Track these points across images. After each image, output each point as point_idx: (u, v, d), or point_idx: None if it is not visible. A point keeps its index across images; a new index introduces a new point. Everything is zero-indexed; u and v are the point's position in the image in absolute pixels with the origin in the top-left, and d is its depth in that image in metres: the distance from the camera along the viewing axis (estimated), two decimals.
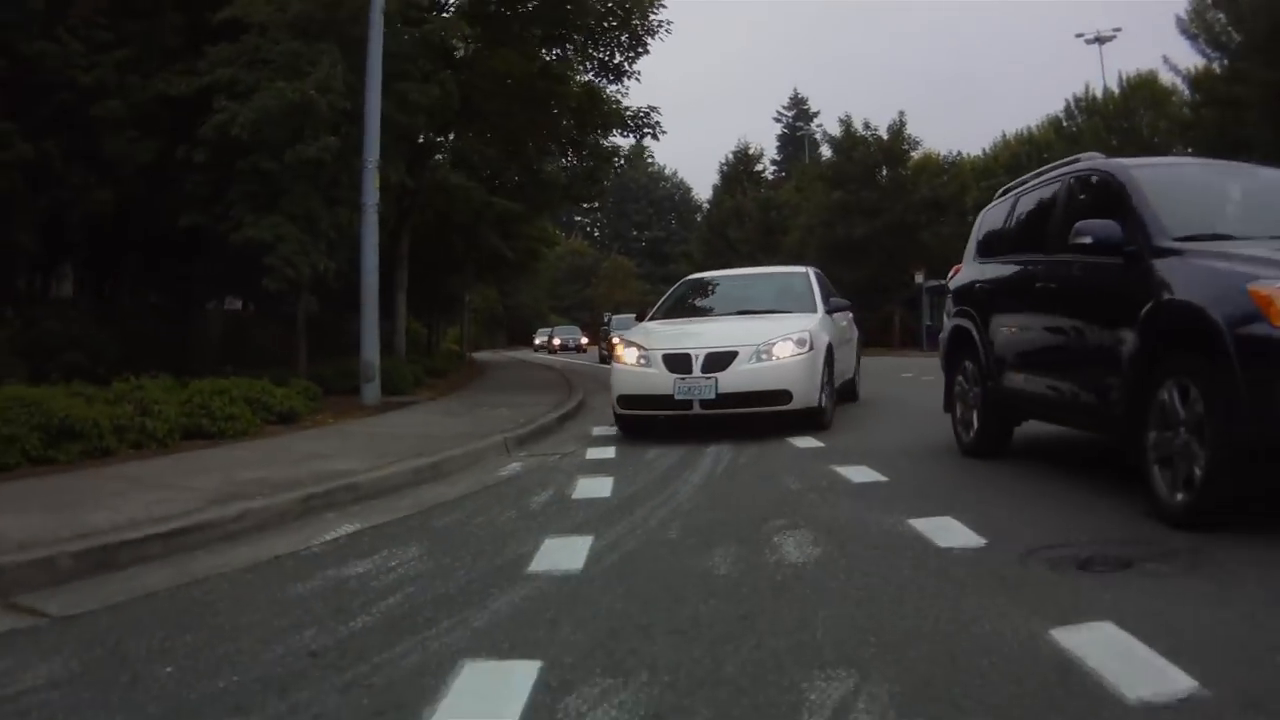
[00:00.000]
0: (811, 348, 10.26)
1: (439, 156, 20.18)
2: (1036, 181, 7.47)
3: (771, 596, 4.06)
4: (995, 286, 7.54)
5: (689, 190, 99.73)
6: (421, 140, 17.90)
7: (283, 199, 12.76)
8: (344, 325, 19.32)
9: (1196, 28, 38.62)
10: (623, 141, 23.83)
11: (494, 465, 8.74)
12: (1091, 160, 6.75)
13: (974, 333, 7.74)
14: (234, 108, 12.73)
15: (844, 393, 12.76)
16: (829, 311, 11.70)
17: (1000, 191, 8.29)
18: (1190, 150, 34.80)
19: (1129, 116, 44.62)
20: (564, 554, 4.96)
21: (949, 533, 4.98)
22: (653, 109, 21.68)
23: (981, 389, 7.57)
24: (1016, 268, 7.15)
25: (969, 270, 8.19)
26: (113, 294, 18.29)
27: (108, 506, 6.14)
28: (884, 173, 48.37)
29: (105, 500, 6.35)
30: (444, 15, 13.83)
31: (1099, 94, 48.61)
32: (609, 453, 9.30)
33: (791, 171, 72.32)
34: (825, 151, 57.27)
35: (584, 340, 58.41)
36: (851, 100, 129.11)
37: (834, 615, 3.71)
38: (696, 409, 9.97)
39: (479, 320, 72.00)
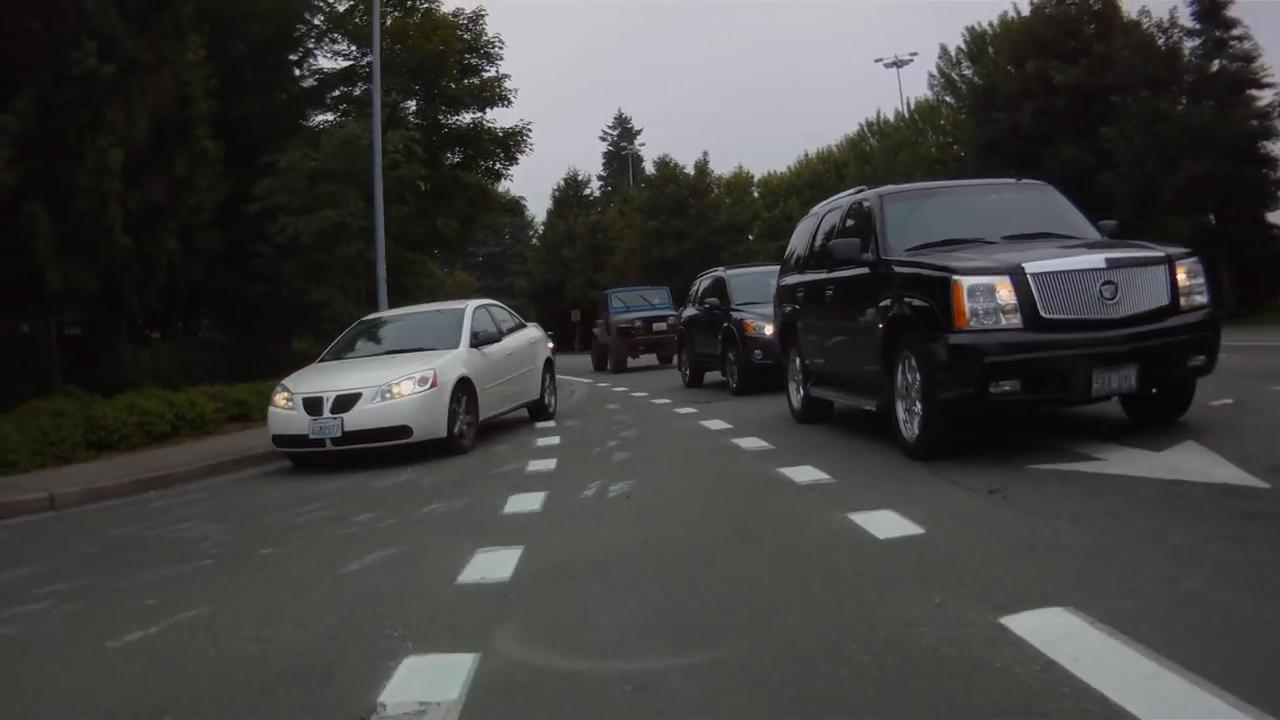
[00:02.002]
0: (434, 385, 11.26)
1: None
2: (704, 275, 18.44)
3: (606, 413, 14.70)
4: (692, 318, 18.37)
5: (514, 198, 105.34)
6: None
7: (329, 276, 22.63)
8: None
9: (943, 86, 48.98)
10: (504, 219, 35.36)
11: None
12: (715, 271, 17.70)
13: (689, 333, 18.60)
14: (293, 221, 22.49)
15: (536, 411, 14.73)
16: (477, 345, 12.68)
17: (697, 278, 19.07)
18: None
19: (919, 134, 51.99)
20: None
21: (664, 399, 15.85)
22: (521, 197, 33.00)
23: (690, 358, 18.49)
24: (696, 310, 17.97)
25: (686, 311, 18.97)
26: (198, 332, 27.92)
27: None
28: (692, 203, 58.58)
29: None
30: (409, 162, 23.91)
31: (891, 117, 57.34)
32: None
33: (617, 187, 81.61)
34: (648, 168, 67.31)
35: None
36: (672, 116, 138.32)
37: (617, 414, 14.32)
38: (329, 446, 11.03)
39: None
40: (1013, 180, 10.21)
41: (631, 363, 28.70)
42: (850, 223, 9.33)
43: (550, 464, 9.75)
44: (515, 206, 33.68)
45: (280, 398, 11.64)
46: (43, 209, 13.25)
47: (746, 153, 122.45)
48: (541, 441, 11.91)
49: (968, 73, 46.36)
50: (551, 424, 14.15)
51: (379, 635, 4.31)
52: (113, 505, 9.99)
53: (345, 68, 28.65)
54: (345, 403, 10.99)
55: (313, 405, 11.12)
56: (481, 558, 5.65)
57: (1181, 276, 7.34)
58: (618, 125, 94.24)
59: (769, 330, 13.84)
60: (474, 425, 12.06)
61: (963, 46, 47.27)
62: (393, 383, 11.13)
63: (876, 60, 60.40)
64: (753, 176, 69.70)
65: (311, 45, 28.16)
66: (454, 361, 11.96)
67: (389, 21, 26.67)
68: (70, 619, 5.36)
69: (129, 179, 14.76)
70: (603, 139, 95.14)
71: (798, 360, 10.76)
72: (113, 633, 4.83)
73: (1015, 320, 6.94)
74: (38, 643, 4.98)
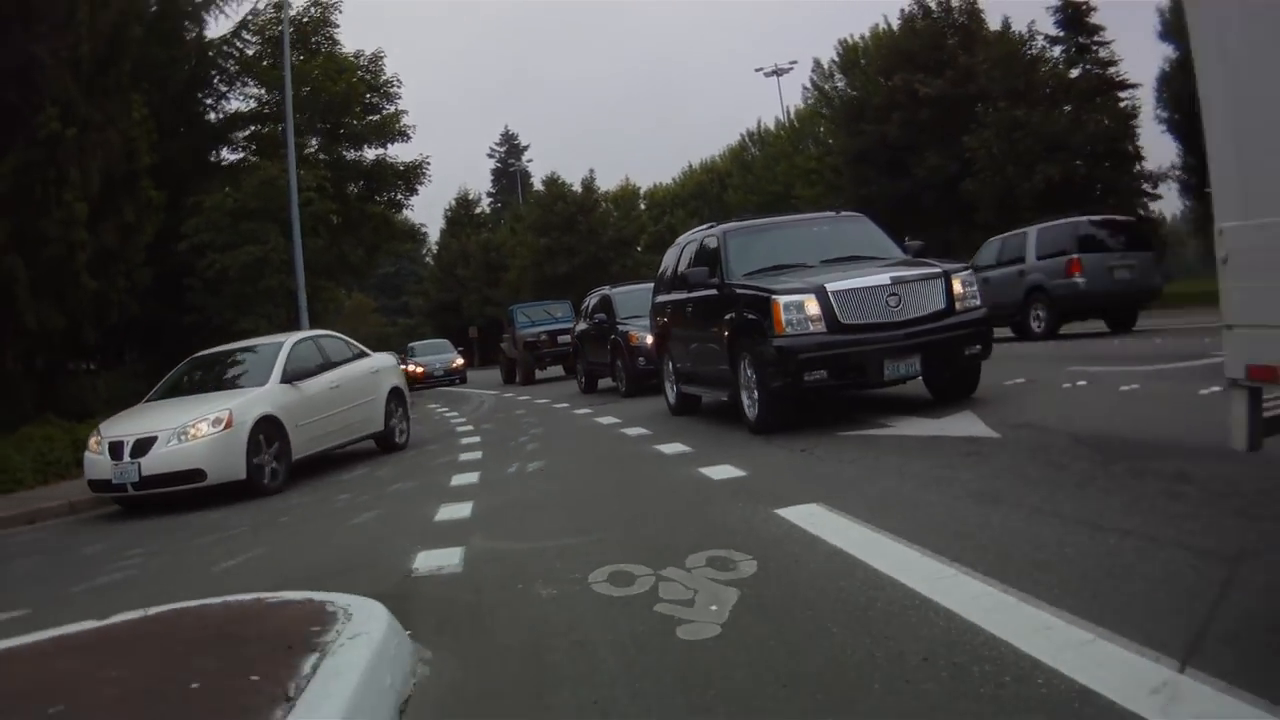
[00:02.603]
0: (229, 425, 10.92)
1: None
2: (593, 293, 21.07)
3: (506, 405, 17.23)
4: (584, 332, 20.91)
5: (415, 225, 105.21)
6: None
7: (255, 306, 24.77)
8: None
9: (818, 98, 51.41)
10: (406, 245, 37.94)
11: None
12: (602, 289, 20.35)
13: (582, 345, 21.15)
14: (219, 258, 24.61)
15: (382, 441, 14.42)
16: (291, 380, 12.30)
17: (587, 295, 21.64)
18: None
19: (800, 140, 54.06)
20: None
21: (564, 403, 18.37)
22: (422, 225, 35.47)
23: (584, 367, 21.10)
24: (587, 325, 20.51)
25: (579, 325, 21.54)
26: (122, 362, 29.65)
27: None
28: (581, 220, 61.02)
29: None
30: (321, 199, 26.20)
31: (772, 126, 59.91)
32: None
33: (508, 204, 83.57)
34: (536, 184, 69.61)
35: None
36: (557, 129, 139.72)
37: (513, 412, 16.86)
38: (130, 491, 10.89)
39: None
40: (833, 214, 12.99)
41: (539, 374, 30.08)
42: (710, 243, 11.88)
43: (478, 454, 12.28)
44: (416, 234, 36.31)
45: (93, 441, 11.54)
46: (19, 259, 15.31)
47: (632, 164, 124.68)
48: (466, 440, 14.36)
49: (840, 85, 48.57)
50: (470, 427, 16.58)
51: (396, 546, 6.82)
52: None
53: (253, 109, 30.72)
54: (143, 446, 10.86)
55: (115, 449, 11.01)
56: (446, 508, 8.13)
57: (957, 286, 9.95)
58: (505, 142, 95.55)
59: (650, 340, 15.48)
60: (285, 464, 11.76)
61: (835, 59, 49.36)
62: (189, 424, 10.92)
63: (757, 70, 62.67)
64: (639, 189, 72.17)
65: (224, 89, 30.21)
66: (256, 400, 11.71)
67: (294, 64, 28.90)
68: (166, 565, 7.78)
69: (86, 227, 16.71)
70: (490, 155, 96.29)
71: (670, 364, 13.36)
72: (208, 565, 7.25)
73: (821, 327, 9.50)
74: (154, 577, 7.35)
